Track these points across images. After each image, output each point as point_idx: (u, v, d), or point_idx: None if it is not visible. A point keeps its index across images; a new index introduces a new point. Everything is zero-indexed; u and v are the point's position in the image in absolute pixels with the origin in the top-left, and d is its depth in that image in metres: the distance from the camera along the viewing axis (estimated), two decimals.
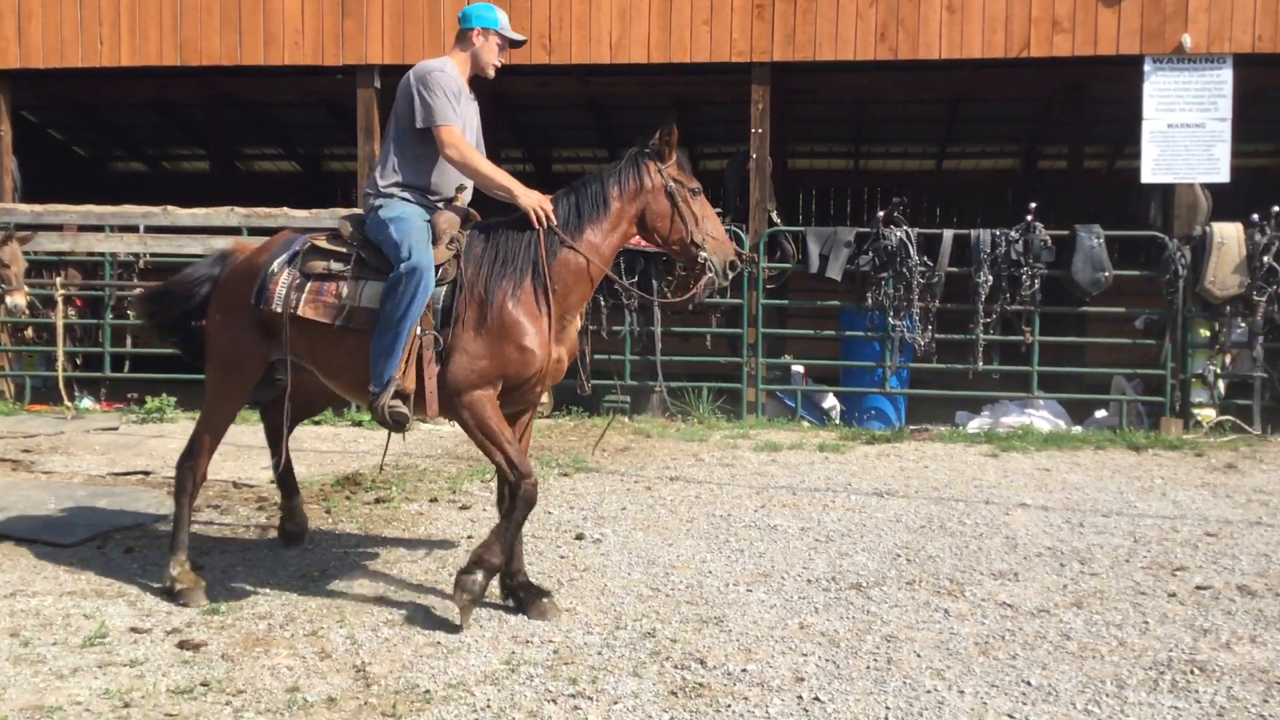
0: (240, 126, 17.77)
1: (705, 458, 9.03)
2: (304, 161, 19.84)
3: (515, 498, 5.09)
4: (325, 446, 9.42)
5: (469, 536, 6.44)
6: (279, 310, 5.33)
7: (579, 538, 6.47)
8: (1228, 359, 10.41)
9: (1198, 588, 5.54)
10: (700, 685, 4.25)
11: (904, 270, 10.56)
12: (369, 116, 11.43)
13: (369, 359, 5.13)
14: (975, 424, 10.79)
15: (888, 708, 4.06)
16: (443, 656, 4.55)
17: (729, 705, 4.08)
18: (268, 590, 5.42)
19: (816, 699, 4.14)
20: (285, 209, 10.40)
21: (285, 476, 6.15)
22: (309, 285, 5.34)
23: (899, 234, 10.59)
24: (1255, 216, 10.21)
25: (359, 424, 10.54)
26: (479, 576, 4.92)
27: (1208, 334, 10.40)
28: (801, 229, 11.37)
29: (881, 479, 8.24)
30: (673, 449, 9.45)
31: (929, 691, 4.21)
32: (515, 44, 5.73)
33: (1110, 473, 8.52)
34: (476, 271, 5.19)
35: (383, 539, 6.37)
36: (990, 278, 10.47)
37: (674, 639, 4.74)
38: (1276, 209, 10.16)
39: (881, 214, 10.82)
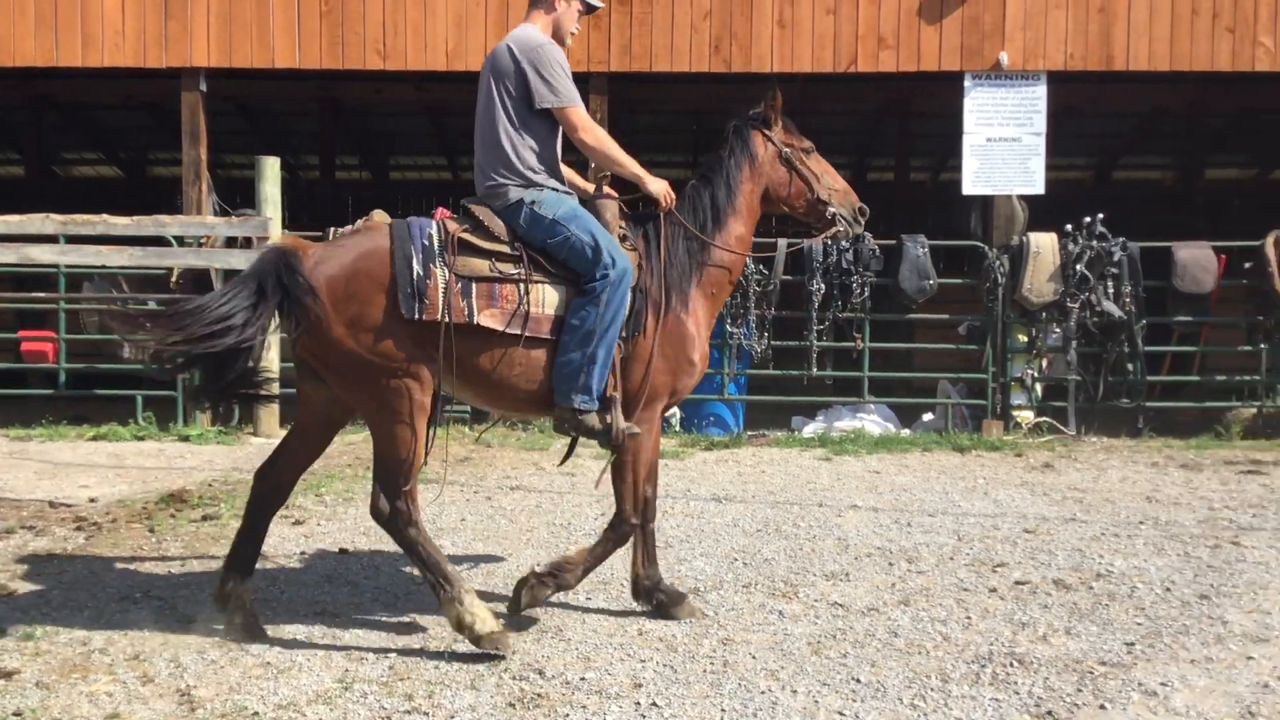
0: (59, 130, 17.01)
1: (547, 466, 9.02)
2: (127, 167, 19.09)
3: (617, 532, 5.07)
4: (150, 463, 9.06)
5: (302, 553, 6.28)
6: (443, 319, 4.61)
7: None
8: (1044, 363, 10.92)
9: (1017, 583, 5.78)
10: (539, 695, 4.23)
11: (741, 279, 10.73)
12: (194, 120, 11.06)
13: (557, 372, 4.77)
14: (810, 429, 11.06)
15: (723, 710, 4.12)
16: (272, 677, 4.41)
17: (567, 714, 4.07)
18: (87, 613, 5.17)
19: (654, 704, 4.17)
20: (105, 216, 9.97)
21: None
22: (476, 289, 4.71)
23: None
24: (1069, 227, 10.73)
25: (186, 438, 10.17)
26: (549, 589, 4.93)
27: (1025, 339, 10.88)
28: None
29: (720, 484, 8.36)
30: (514, 458, 9.41)
31: (763, 692, 4.28)
32: (592, 9, 5.34)
33: (936, 474, 8.83)
34: (649, 274, 4.95)
35: (211, 558, 6.15)
36: (823, 286, 10.75)
37: (513, 649, 4.70)
38: (1088, 219, 10.70)
39: None
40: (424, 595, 5.49)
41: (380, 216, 10.98)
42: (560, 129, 5.04)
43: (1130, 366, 10.63)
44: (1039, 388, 10.90)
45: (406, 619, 5.15)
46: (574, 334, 4.74)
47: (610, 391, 4.83)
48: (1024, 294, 10.61)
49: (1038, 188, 10.89)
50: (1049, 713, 4.09)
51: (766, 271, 10.76)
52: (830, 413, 11.36)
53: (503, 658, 4.55)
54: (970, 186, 10.99)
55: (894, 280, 10.87)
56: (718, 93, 13.35)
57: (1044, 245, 10.58)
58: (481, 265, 4.76)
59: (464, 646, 4.72)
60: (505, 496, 7.86)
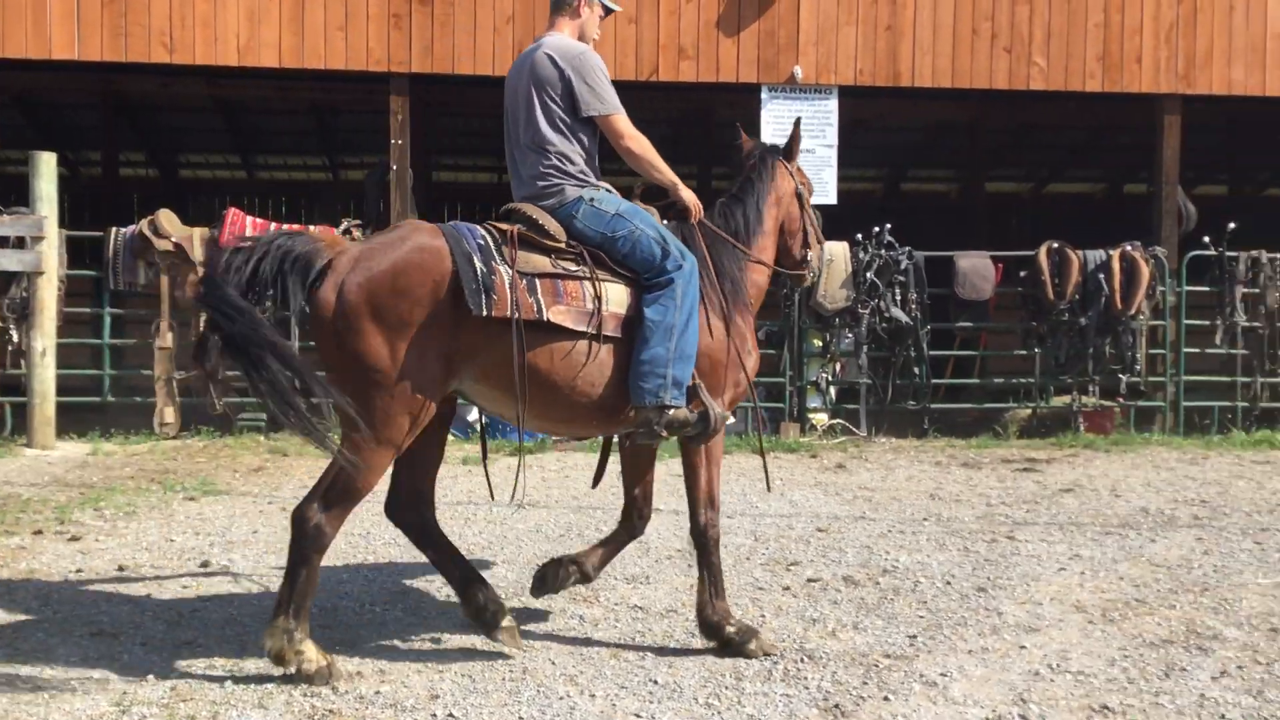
0: None
1: None
2: None
3: (706, 537, 4.95)
4: None
5: (78, 570, 5.94)
6: (513, 315, 4.40)
7: (204, 565, 6.12)
8: (838, 367, 11.31)
9: (809, 580, 5.96)
10: (331, 712, 4.12)
11: None
12: None
13: (635, 371, 4.60)
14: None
15: (521, 717, 4.10)
16: (44, 703, 4.15)
17: None
18: None
19: (451, 715, 4.11)
20: None
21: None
22: (541, 285, 4.54)
23: None
24: (859, 236, 11.15)
25: None
26: (731, 631, 4.75)
27: (820, 344, 11.24)
28: None
29: (526, 490, 8.32)
30: (312, 467, 9.13)
31: (561, 698, 4.28)
32: (609, 12, 5.27)
33: (736, 475, 9.03)
34: (704, 279, 4.86)
35: None
36: None
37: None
38: (877, 229, 11.14)
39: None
40: (208, 612, 5.29)
41: (167, 216, 10.54)
42: (599, 135, 5.00)
43: (916, 370, 11.12)
44: (833, 391, 11.28)
45: (189, 637, 4.93)
46: (655, 329, 4.63)
47: (695, 380, 4.76)
48: (819, 300, 10.96)
49: (830, 198, 11.27)
50: (836, 706, 4.22)
51: None
52: None
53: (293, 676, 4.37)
54: None
55: None
56: None
57: (837, 254, 10.95)
58: (543, 261, 4.62)
59: (254, 664, 4.55)
60: None
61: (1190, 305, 11.47)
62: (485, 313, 4.35)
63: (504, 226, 4.66)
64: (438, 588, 5.75)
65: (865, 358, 11.13)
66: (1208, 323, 11.43)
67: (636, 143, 4.95)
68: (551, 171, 4.82)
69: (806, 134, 11.01)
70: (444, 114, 14.84)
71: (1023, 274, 11.39)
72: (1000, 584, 5.89)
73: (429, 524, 4.82)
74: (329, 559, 6.22)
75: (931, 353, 11.25)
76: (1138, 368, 11.16)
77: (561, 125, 4.85)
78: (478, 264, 4.39)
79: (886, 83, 11.27)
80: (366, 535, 6.84)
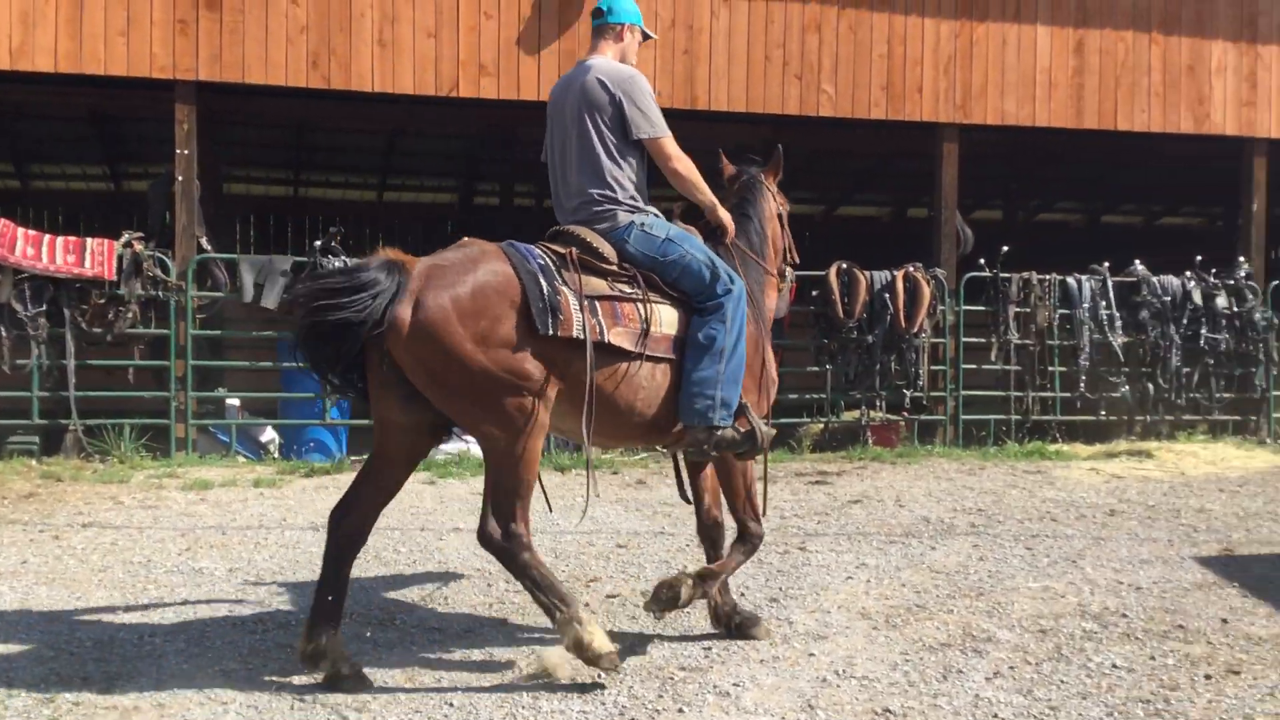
0: None
1: (126, 500, 8.38)
2: None
3: (748, 544, 5.27)
4: None
5: None
6: (579, 336, 4.52)
7: None
8: None
9: (608, 596, 6.00)
10: None
11: None
12: None
13: (686, 392, 4.79)
14: None
15: None
16: None
17: None
18: None
19: None
20: None
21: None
22: (601, 307, 4.66)
23: (337, 263, 10.51)
24: None
25: None
26: (696, 594, 4.97)
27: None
28: (235, 256, 10.95)
29: (319, 513, 8.10)
30: (88, 492, 8.67)
31: None
32: (648, 38, 5.46)
33: (537, 494, 8.98)
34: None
35: None
36: None
37: (76, 703, 4.31)
38: None
39: (319, 243, 10.70)
40: None
41: None
42: (646, 157, 5.10)
43: None
44: None
45: None
46: (705, 351, 4.80)
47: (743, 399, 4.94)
48: None
49: None
50: (633, 719, 4.27)
51: None
52: None
53: (617, 671, 4.58)
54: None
55: None
56: (318, 109, 13.03)
57: None
58: (601, 284, 4.75)
59: (20, 702, 4.27)
60: (76, 534, 7.23)
61: (967, 324, 12.10)
62: (551, 332, 4.49)
63: (559, 248, 4.76)
64: (223, 616, 5.53)
65: None
66: (984, 340, 12.07)
67: (683, 165, 5.09)
68: (604, 196, 4.94)
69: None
70: (234, 124, 14.36)
71: (814, 293, 11.77)
72: (791, 594, 6.06)
73: (355, 545, 4.70)
74: (104, 589, 5.92)
75: None
76: (920, 383, 11.69)
77: (612, 148, 4.97)
78: (543, 284, 4.52)
79: (684, 105, 11.49)
80: (147, 564, 6.53)
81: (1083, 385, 12.06)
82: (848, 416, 11.92)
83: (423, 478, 9.63)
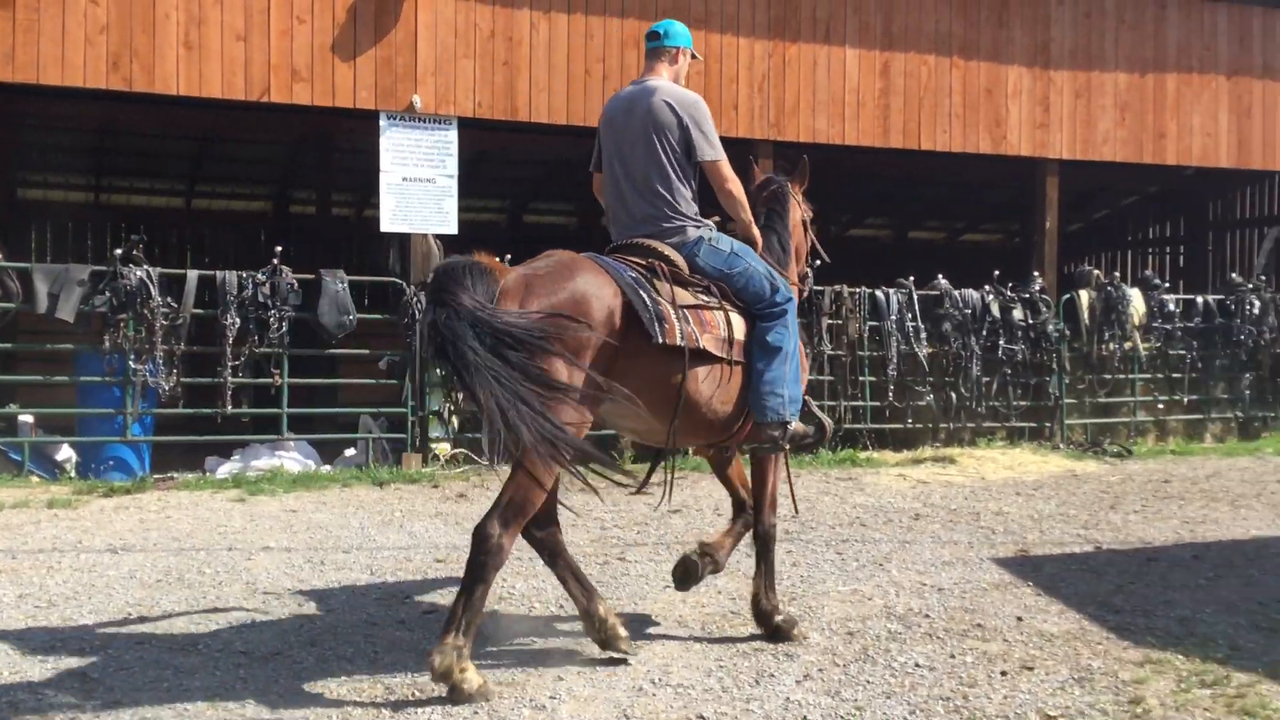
0: None
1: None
2: None
3: (759, 528, 5.61)
4: None
5: None
6: (681, 344, 4.85)
7: None
8: (460, 396, 11.30)
9: (425, 613, 5.91)
10: None
11: (145, 311, 10.05)
12: None
13: (757, 391, 5.19)
14: (225, 469, 10.59)
15: None
16: None
17: None
18: None
19: None
20: None
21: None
22: (691, 316, 4.99)
23: (139, 273, 10.07)
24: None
25: None
26: (779, 620, 5.41)
27: (443, 374, 11.20)
28: (29, 265, 10.36)
29: (118, 533, 7.74)
30: None
31: None
32: (695, 58, 5.81)
33: (354, 509, 8.82)
34: None
35: None
36: (238, 320, 10.36)
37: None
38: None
39: (119, 251, 10.22)
40: None
41: None
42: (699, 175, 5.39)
43: None
44: (455, 420, 11.27)
45: None
46: (774, 354, 5.25)
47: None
48: None
49: (451, 228, 11.30)
50: None
51: (175, 304, 10.15)
52: (247, 452, 10.96)
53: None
54: (388, 224, 11.16)
55: (314, 315, 10.73)
56: (122, 112, 12.49)
57: None
58: (685, 294, 5.05)
59: None
60: None
61: None
62: (661, 340, 4.79)
63: (639, 260, 5.05)
64: (10, 646, 5.21)
65: None
66: None
67: (736, 186, 5.43)
68: (671, 213, 5.24)
69: (426, 163, 11.05)
70: (30, 127, 13.62)
71: None
72: (611, 604, 6.08)
73: (559, 543, 5.09)
74: None
75: None
76: None
77: (677, 168, 5.26)
78: (645, 295, 4.79)
79: (505, 117, 11.45)
80: None
81: (891, 394, 12.50)
82: None
83: (232, 494, 9.31)
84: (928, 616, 5.94)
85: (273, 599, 6.15)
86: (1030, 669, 5.13)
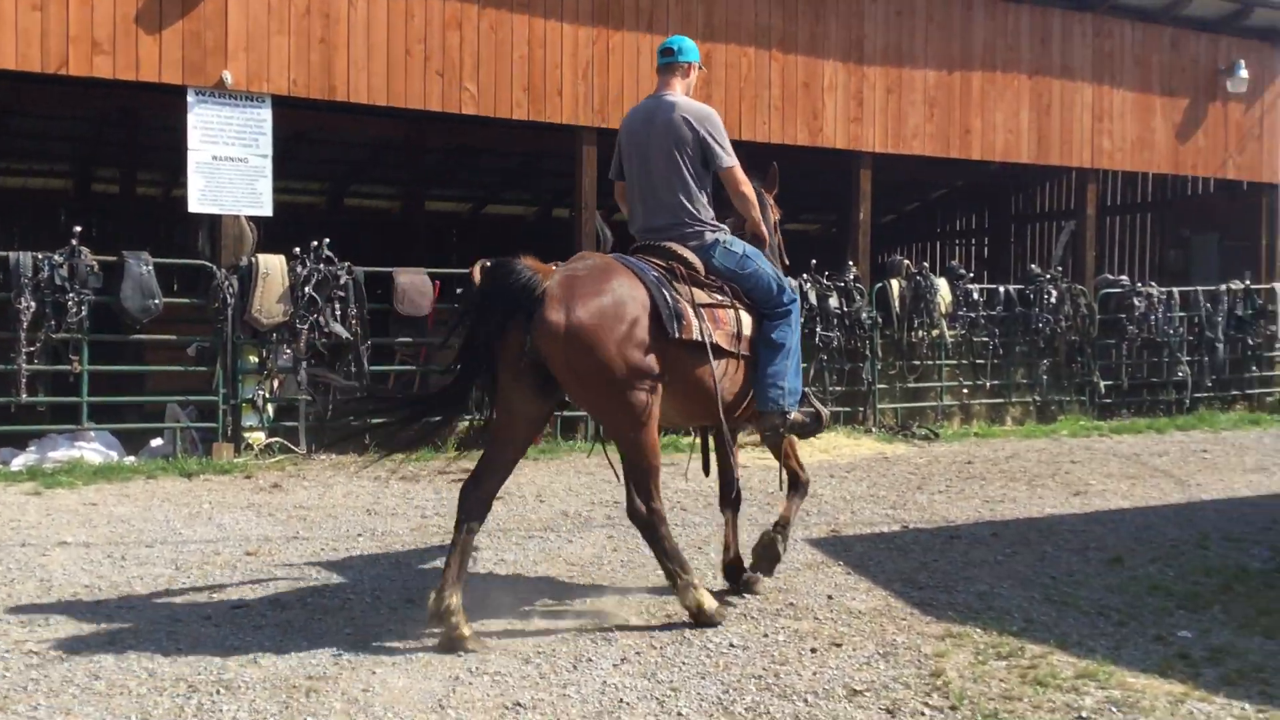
0: None
1: None
2: None
3: (801, 491, 6.37)
4: None
5: None
6: (699, 339, 5.36)
7: None
8: (275, 384, 10.97)
9: (233, 607, 5.72)
10: None
11: None
12: None
13: (761, 383, 5.70)
14: (19, 461, 10.00)
15: None
16: None
17: None
18: None
19: None
20: None
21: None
22: (705, 314, 5.45)
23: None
24: (297, 250, 10.91)
25: None
26: (785, 543, 6.17)
27: (256, 360, 10.85)
28: None
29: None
30: None
31: None
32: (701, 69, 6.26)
33: (160, 502, 8.47)
34: None
35: None
36: (33, 303, 9.79)
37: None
38: (316, 243, 10.96)
39: None
40: None
41: None
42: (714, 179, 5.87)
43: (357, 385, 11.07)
44: (271, 408, 10.94)
45: None
46: (778, 350, 5.74)
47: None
48: (254, 315, 10.58)
49: (266, 209, 10.93)
50: None
51: None
52: (44, 442, 10.37)
53: (720, 623, 5.42)
54: (196, 205, 10.72)
55: (116, 299, 10.23)
56: None
57: (273, 267, 10.64)
58: (702, 294, 5.55)
59: None
60: None
61: None
62: (678, 335, 5.30)
63: (660, 261, 5.55)
64: None
65: (305, 373, 10.90)
66: None
67: (749, 189, 5.97)
68: (689, 218, 5.73)
69: (238, 141, 10.66)
70: None
71: (459, 290, 11.75)
72: (428, 593, 6.00)
73: (480, 515, 5.38)
74: None
75: (372, 368, 11.26)
76: None
77: (695, 177, 5.74)
78: (666, 294, 5.32)
79: (321, 95, 11.13)
80: None
81: None
82: None
83: (27, 487, 8.82)
84: (743, 598, 6.07)
85: (68, 596, 5.85)
86: (839, 645, 5.29)
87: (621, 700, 4.54)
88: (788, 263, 6.66)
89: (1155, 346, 15.34)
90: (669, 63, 6.01)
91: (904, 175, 18.42)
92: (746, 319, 5.74)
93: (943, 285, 13.99)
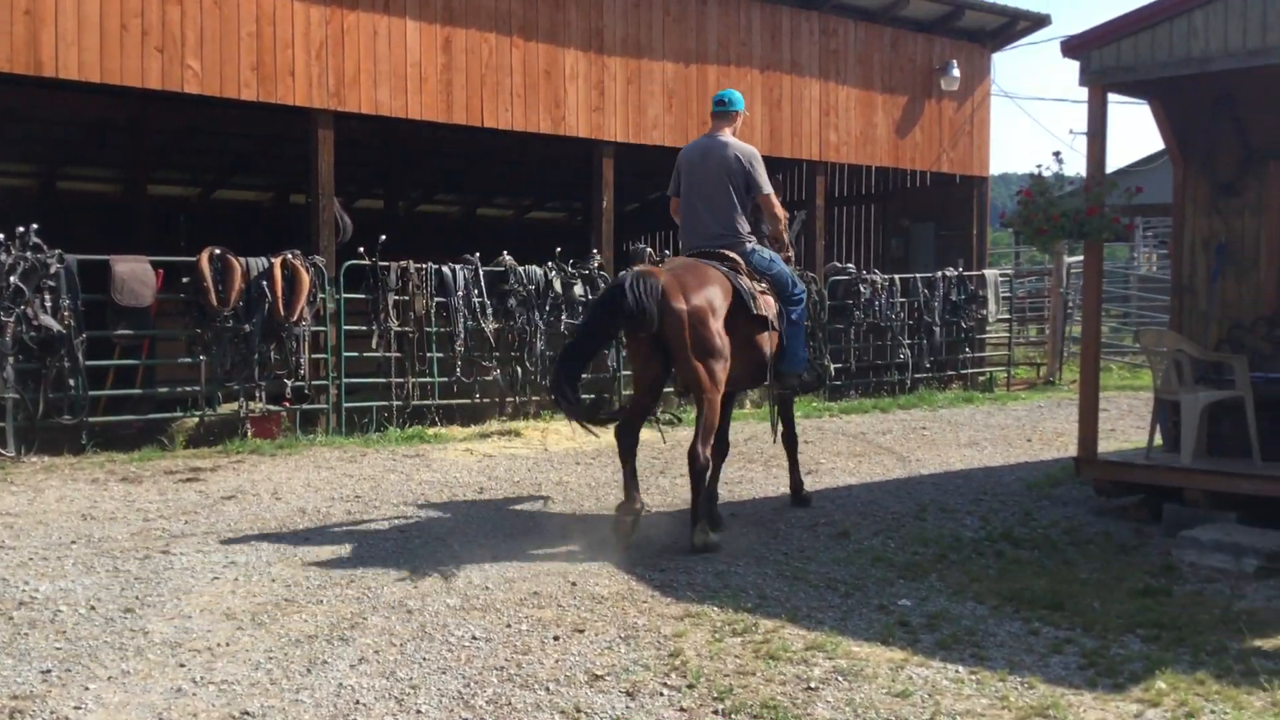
0: None
1: None
2: None
3: (794, 443, 8.63)
4: None
5: None
6: (764, 314, 7.38)
7: None
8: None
9: None
10: None
11: None
12: None
13: (785, 351, 7.73)
14: None
15: None
16: None
17: None
18: None
19: None
20: None
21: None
22: (759, 298, 7.38)
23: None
24: (2, 236, 10.07)
25: None
26: (806, 492, 8.55)
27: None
28: None
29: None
30: None
31: None
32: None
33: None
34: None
35: None
36: None
37: None
38: (22, 229, 10.14)
39: None
40: None
41: None
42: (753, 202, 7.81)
43: (71, 382, 10.33)
44: None
45: None
46: (795, 326, 7.77)
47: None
48: None
49: None
50: None
51: None
52: None
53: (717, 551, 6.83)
54: None
55: None
56: None
57: None
58: (754, 284, 7.40)
59: None
60: None
61: (349, 312, 12.10)
62: (755, 312, 7.29)
63: (721, 262, 7.37)
64: None
65: (12, 371, 10.07)
66: (364, 328, 12.15)
67: (781, 211, 8.09)
68: (736, 231, 7.63)
69: None
70: None
71: (185, 280, 11.14)
72: (150, 601, 5.67)
73: (635, 448, 7.22)
74: None
75: (89, 363, 10.52)
76: (302, 372, 11.51)
77: (739, 201, 7.63)
78: (743, 283, 7.28)
79: (28, 71, 10.29)
80: None
81: (459, 370, 12.56)
82: (225, 409, 11.42)
83: None
84: (487, 589, 6.02)
85: None
86: (581, 631, 5.33)
87: (358, 702, 4.41)
88: (796, 261, 8.93)
89: (880, 330, 16.20)
90: (722, 111, 7.87)
91: (648, 164, 18.74)
92: (774, 303, 7.59)
93: None
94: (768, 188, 7.75)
